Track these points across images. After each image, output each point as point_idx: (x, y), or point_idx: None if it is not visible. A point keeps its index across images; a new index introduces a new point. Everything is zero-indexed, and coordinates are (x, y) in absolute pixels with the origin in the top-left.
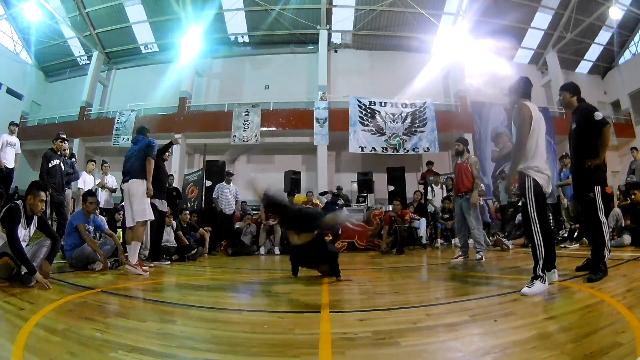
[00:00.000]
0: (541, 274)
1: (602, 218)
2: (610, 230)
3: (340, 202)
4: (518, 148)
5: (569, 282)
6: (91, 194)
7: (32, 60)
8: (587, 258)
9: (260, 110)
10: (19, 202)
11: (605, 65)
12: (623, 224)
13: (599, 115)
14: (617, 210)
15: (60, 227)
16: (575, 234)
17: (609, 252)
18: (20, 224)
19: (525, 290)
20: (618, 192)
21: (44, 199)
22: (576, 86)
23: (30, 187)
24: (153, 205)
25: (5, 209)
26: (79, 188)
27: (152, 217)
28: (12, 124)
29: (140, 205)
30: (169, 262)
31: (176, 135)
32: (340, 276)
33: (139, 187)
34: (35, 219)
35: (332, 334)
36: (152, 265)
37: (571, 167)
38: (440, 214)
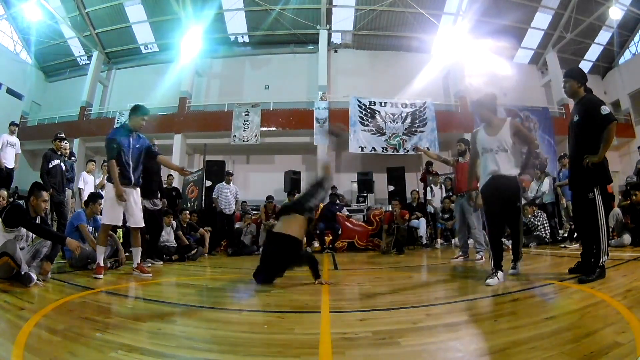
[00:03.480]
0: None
1: (602, 221)
2: (611, 230)
3: (339, 202)
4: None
5: (569, 282)
6: (101, 196)
7: (32, 60)
8: (578, 261)
9: (260, 110)
10: (21, 201)
11: (605, 65)
12: (623, 220)
13: (605, 110)
14: (617, 210)
15: (61, 227)
16: (575, 234)
17: (607, 256)
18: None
19: (511, 271)
20: (618, 193)
21: (47, 199)
22: (584, 74)
23: (32, 188)
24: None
25: (7, 207)
26: (79, 188)
27: (114, 222)
28: (12, 124)
29: (104, 207)
30: (162, 263)
31: (176, 135)
32: (320, 277)
33: (107, 191)
34: (38, 220)
35: (332, 334)
36: (149, 265)
37: (569, 162)
38: (440, 214)
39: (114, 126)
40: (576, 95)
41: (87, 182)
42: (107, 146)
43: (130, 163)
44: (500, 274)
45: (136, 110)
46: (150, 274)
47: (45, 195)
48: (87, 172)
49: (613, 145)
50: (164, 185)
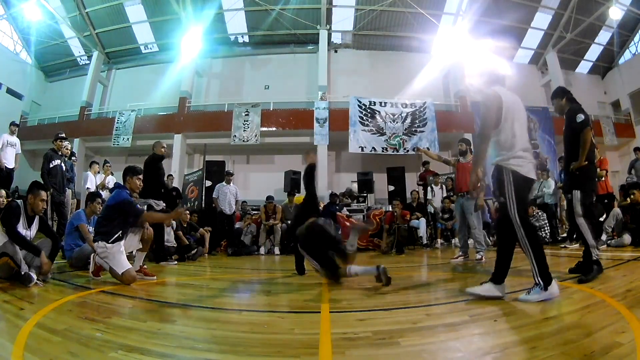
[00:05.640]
0: (539, 280)
1: (579, 220)
2: (611, 230)
3: (341, 202)
4: (480, 140)
5: (569, 282)
6: (99, 195)
7: (32, 60)
8: (579, 261)
9: (260, 110)
10: (20, 201)
11: (605, 65)
12: (623, 219)
13: (580, 117)
14: (617, 210)
15: (61, 227)
16: (575, 234)
17: (598, 250)
18: (21, 224)
19: (522, 296)
20: (619, 192)
21: (45, 198)
22: (564, 89)
23: (30, 186)
24: (150, 206)
25: (5, 206)
26: (87, 188)
27: (128, 265)
28: (12, 124)
29: (112, 262)
30: (176, 263)
31: (176, 135)
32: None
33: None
34: (37, 219)
35: (332, 334)
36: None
37: (564, 169)
38: (440, 214)
39: (114, 126)
40: (563, 109)
41: (93, 183)
42: (130, 210)
43: None
44: (488, 287)
45: (131, 172)
46: (155, 277)
47: (44, 194)
48: (92, 173)
49: (613, 145)
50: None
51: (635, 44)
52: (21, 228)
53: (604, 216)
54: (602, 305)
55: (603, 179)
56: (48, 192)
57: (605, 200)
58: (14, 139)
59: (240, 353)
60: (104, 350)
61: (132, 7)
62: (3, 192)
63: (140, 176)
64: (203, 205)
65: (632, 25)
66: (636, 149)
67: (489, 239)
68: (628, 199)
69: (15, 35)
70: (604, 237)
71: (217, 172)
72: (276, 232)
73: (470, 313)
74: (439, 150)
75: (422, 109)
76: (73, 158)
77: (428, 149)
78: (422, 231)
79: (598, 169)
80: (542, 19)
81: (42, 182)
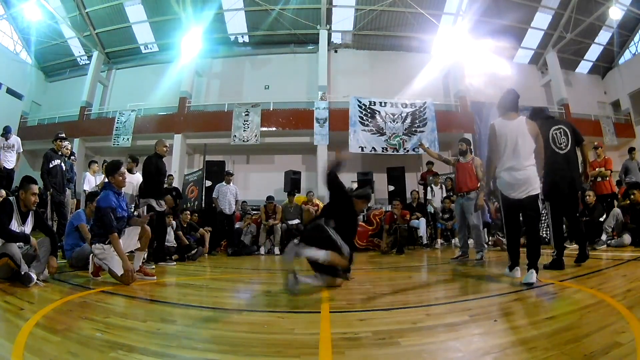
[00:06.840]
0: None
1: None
2: (611, 230)
3: None
4: (487, 165)
5: (569, 282)
6: (99, 194)
7: (32, 60)
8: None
9: (260, 110)
10: (12, 198)
11: (605, 65)
12: (623, 220)
13: None
14: (617, 210)
15: (61, 227)
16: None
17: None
18: (15, 220)
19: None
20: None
21: (36, 192)
22: (532, 111)
23: (21, 182)
24: (150, 206)
25: None
26: (84, 190)
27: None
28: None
29: (111, 264)
30: (175, 263)
31: (176, 135)
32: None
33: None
34: (32, 215)
35: (332, 334)
36: (153, 267)
37: None
38: (440, 214)
39: (114, 126)
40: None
41: (91, 183)
42: (103, 218)
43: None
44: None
45: (113, 169)
46: (155, 277)
47: (34, 188)
48: (91, 173)
49: (613, 145)
50: (164, 186)
51: (635, 44)
52: (15, 225)
53: (604, 216)
54: (602, 305)
55: (607, 178)
56: (48, 192)
57: (609, 199)
58: (13, 140)
59: (240, 353)
60: (104, 350)
61: (132, 7)
62: (3, 192)
63: (122, 170)
64: (203, 205)
65: (632, 25)
66: (631, 150)
67: (488, 239)
68: (627, 200)
69: (15, 35)
70: (604, 237)
71: (217, 172)
72: (276, 232)
73: (470, 313)
74: (439, 150)
75: (422, 109)
76: (72, 158)
77: (428, 147)
78: (422, 231)
79: (602, 169)
80: (542, 19)
81: (34, 178)
